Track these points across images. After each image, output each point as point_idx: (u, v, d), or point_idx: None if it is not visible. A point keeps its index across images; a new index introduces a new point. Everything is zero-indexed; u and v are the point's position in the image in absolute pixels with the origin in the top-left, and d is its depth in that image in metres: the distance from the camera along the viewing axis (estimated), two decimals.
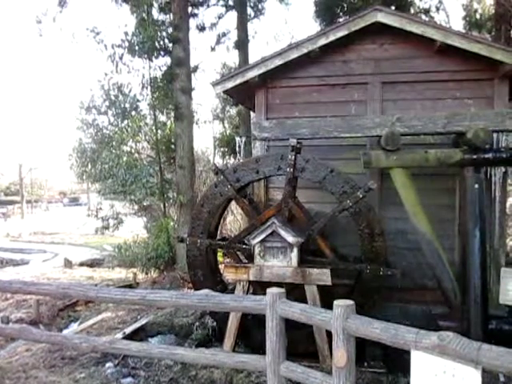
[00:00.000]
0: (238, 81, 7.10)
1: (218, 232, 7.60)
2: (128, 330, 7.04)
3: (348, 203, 5.58)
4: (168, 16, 12.53)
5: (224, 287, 6.49)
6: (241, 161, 6.92)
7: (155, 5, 12.69)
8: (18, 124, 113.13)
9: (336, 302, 3.37)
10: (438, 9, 17.73)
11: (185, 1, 11.94)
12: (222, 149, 17.81)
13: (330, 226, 6.42)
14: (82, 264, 16.04)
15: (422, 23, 6.62)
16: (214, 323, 6.75)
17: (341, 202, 5.66)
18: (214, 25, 15.80)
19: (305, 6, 45.00)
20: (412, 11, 15.77)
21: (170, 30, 11.90)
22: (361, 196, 5.52)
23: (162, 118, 13.31)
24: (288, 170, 5.78)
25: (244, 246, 6.07)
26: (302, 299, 5.33)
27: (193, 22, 14.42)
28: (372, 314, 4.81)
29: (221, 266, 7.23)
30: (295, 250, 5.55)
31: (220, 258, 7.47)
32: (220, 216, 6.72)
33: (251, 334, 5.96)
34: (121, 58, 12.01)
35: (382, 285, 5.72)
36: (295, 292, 5.61)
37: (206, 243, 6.18)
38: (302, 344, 5.68)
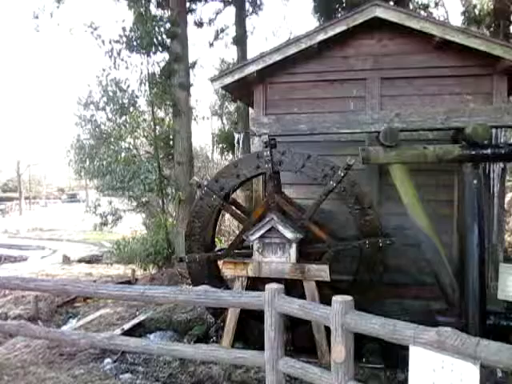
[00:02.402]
0: (237, 76, 7.08)
1: (217, 230, 7.60)
2: (126, 326, 7.04)
3: (332, 184, 5.61)
4: (166, 11, 12.49)
5: None
6: (232, 161, 6.88)
7: (153, 0, 12.63)
8: (16, 120, 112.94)
9: (334, 298, 3.37)
10: (436, 4, 17.74)
11: None
12: (220, 145, 17.79)
13: (327, 221, 6.44)
14: (80, 260, 16.03)
15: (421, 18, 6.59)
16: (213, 319, 6.75)
17: (325, 185, 5.69)
18: (212, 20, 15.75)
19: (303, 1, 44.86)
20: (411, 6, 15.74)
21: (168, 25, 11.84)
22: (342, 174, 5.55)
23: (161, 113, 13.29)
24: (266, 166, 5.84)
25: (243, 251, 6.14)
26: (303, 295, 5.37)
27: (191, 18, 14.40)
28: (374, 306, 4.86)
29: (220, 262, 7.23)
30: (294, 245, 5.55)
31: None
32: (214, 227, 6.68)
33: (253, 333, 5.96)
34: (119, 54, 11.96)
35: (384, 256, 5.71)
36: (296, 288, 5.62)
37: (205, 257, 6.21)
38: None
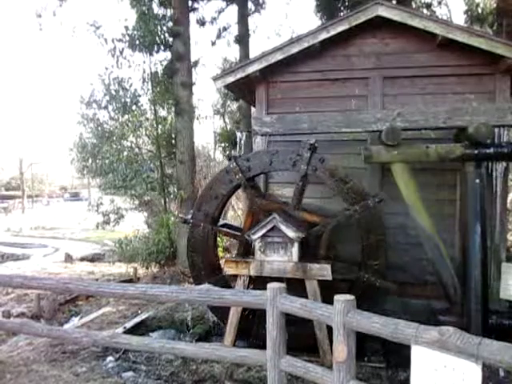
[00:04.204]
0: (239, 75, 7.08)
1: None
2: (129, 325, 7.06)
3: (303, 168, 5.69)
4: (168, 10, 12.47)
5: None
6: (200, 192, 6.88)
7: None
8: (19, 119, 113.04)
9: (336, 297, 3.37)
10: (439, 3, 17.66)
11: None
12: (222, 144, 17.79)
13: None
14: (82, 259, 16.06)
15: (424, 17, 6.58)
16: (215, 318, 6.76)
17: (297, 172, 5.78)
18: (214, 19, 15.73)
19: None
20: (413, 5, 15.69)
21: (171, 24, 11.85)
22: (308, 155, 5.63)
23: (163, 112, 13.29)
24: (237, 177, 5.96)
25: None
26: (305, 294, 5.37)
27: (193, 17, 14.38)
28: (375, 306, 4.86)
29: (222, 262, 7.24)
30: (296, 245, 5.55)
31: (221, 254, 7.51)
32: (214, 250, 6.69)
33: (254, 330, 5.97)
34: (121, 53, 11.97)
35: (379, 217, 5.70)
36: (299, 287, 5.62)
37: (214, 280, 6.22)
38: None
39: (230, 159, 6.07)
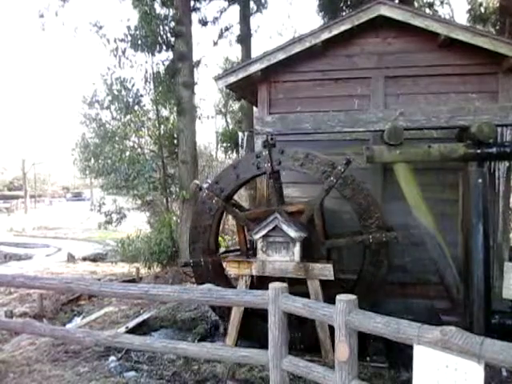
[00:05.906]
0: (241, 75, 7.07)
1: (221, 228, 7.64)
2: (131, 325, 7.07)
3: (267, 166, 5.75)
4: (170, 10, 12.49)
5: None
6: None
7: None
8: (21, 119, 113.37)
9: (338, 297, 3.37)
10: (442, 2, 17.65)
11: None
12: (224, 144, 17.79)
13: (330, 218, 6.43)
14: (84, 259, 16.10)
15: (426, 17, 6.56)
16: (217, 317, 6.76)
17: (265, 172, 5.92)
18: (216, 19, 15.73)
19: None
20: (416, 5, 15.67)
21: (173, 24, 11.87)
22: (267, 153, 5.72)
23: (165, 112, 13.31)
24: (215, 201, 6.02)
25: None
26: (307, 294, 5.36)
27: (195, 16, 14.39)
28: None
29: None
30: (297, 244, 5.55)
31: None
32: (224, 277, 6.63)
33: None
34: (123, 53, 12.00)
35: (355, 178, 5.67)
36: (300, 287, 5.61)
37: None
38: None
39: (200, 189, 6.15)
